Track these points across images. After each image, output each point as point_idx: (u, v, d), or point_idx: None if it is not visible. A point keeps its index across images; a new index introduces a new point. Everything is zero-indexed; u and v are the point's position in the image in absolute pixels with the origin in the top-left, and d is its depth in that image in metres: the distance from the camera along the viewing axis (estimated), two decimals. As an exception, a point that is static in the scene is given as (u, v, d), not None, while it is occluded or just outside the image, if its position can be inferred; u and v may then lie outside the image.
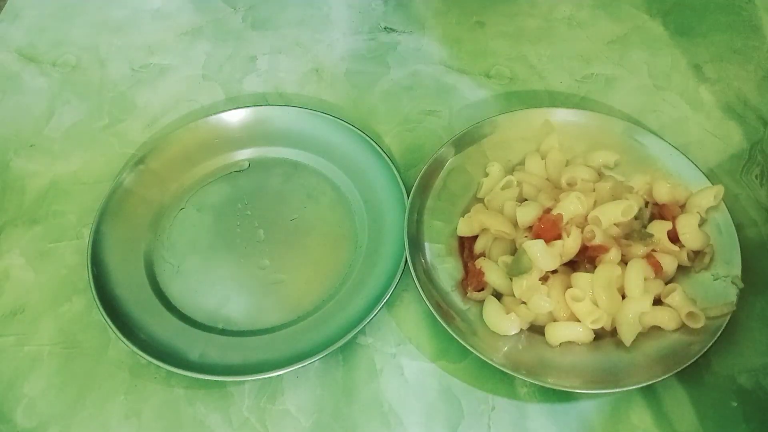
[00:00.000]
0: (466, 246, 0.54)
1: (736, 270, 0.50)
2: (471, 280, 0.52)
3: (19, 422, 0.49)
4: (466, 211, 0.55)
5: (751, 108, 0.65)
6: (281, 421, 0.48)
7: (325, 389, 0.50)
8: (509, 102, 0.67)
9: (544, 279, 0.49)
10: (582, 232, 0.50)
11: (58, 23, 0.77)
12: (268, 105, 0.66)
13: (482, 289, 0.51)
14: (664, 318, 0.48)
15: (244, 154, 0.63)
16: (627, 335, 0.48)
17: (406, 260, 0.52)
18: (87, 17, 0.77)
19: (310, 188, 0.61)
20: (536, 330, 0.50)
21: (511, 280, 0.50)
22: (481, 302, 0.51)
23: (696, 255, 0.52)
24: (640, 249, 0.50)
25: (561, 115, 0.59)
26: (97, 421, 0.49)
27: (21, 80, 0.71)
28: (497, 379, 0.49)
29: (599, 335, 0.49)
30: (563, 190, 0.53)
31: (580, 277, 0.49)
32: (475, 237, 0.54)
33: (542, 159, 0.58)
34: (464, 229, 0.54)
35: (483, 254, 0.53)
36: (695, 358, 0.46)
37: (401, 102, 0.67)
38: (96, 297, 0.51)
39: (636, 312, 0.48)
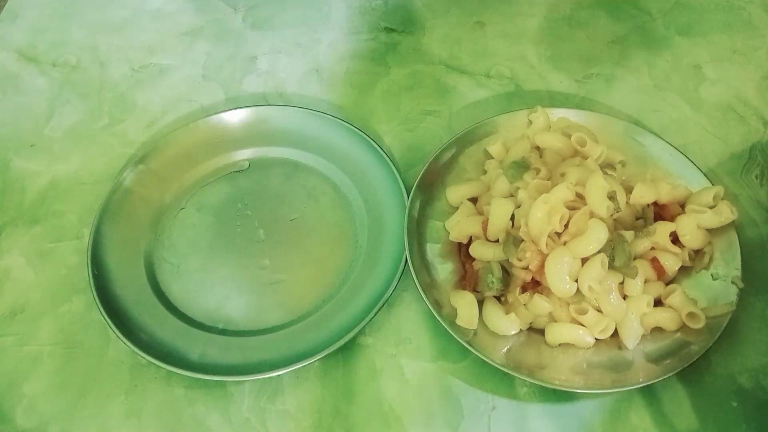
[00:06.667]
0: (463, 247, 0.54)
1: (736, 270, 0.50)
2: (469, 280, 0.52)
3: (19, 422, 0.49)
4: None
5: (751, 108, 0.65)
6: (281, 421, 0.48)
7: (325, 389, 0.50)
8: (509, 102, 0.66)
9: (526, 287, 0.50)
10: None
11: (58, 23, 0.77)
12: (268, 105, 0.66)
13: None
14: (665, 319, 0.48)
15: (244, 154, 0.63)
16: (630, 338, 0.48)
17: (406, 260, 0.52)
18: (87, 17, 0.77)
19: (310, 188, 0.61)
20: (536, 330, 0.50)
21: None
22: (481, 302, 0.51)
23: (696, 254, 0.52)
24: (642, 244, 0.50)
25: (561, 115, 0.59)
26: (97, 421, 0.49)
27: (21, 80, 0.71)
28: (497, 379, 0.49)
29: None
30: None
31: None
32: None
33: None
34: (454, 233, 0.54)
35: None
36: (695, 358, 0.46)
37: (401, 102, 0.67)
38: (96, 297, 0.51)
39: (637, 314, 0.48)
